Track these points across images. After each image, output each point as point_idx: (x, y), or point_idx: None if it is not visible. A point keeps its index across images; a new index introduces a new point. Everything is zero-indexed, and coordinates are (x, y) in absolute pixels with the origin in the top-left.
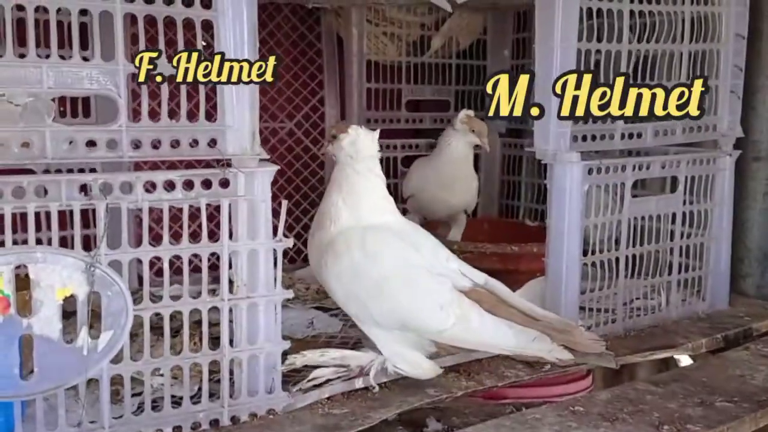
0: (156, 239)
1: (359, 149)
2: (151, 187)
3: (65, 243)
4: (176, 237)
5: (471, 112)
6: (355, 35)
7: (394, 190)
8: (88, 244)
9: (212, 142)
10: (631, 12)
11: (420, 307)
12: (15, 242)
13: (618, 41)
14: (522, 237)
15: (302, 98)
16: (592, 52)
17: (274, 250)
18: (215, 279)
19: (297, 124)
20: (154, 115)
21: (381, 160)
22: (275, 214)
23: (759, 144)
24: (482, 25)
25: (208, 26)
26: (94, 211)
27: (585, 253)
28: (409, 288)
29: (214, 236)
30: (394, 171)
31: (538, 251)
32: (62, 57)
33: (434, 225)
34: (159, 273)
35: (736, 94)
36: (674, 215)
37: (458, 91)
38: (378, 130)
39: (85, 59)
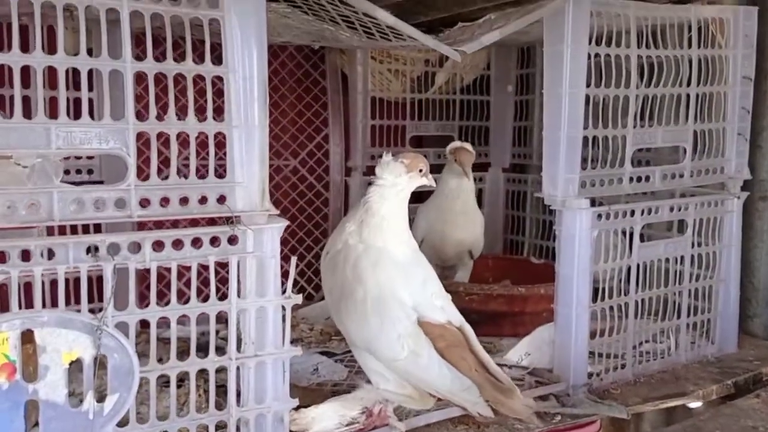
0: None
1: (385, 175)
2: (158, 245)
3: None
4: (179, 276)
5: (459, 143)
6: (359, 72)
7: None
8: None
9: (221, 199)
10: (639, 56)
11: (381, 334)
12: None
13: (626, 86)
14: (527, 275)
15: (307, 136)
16: (601, 96)
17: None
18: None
19: (301, 162)
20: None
21: None
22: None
23: (765, 183)
24: (486, 61)
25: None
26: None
27: (595, 292)
28: (378, 313)
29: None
30: None
31: (545, 293)
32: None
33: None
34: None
35: (743, 137)
36: (682, 257)
37: (462, 127)
38: (411, 162)
39: (92, 116)
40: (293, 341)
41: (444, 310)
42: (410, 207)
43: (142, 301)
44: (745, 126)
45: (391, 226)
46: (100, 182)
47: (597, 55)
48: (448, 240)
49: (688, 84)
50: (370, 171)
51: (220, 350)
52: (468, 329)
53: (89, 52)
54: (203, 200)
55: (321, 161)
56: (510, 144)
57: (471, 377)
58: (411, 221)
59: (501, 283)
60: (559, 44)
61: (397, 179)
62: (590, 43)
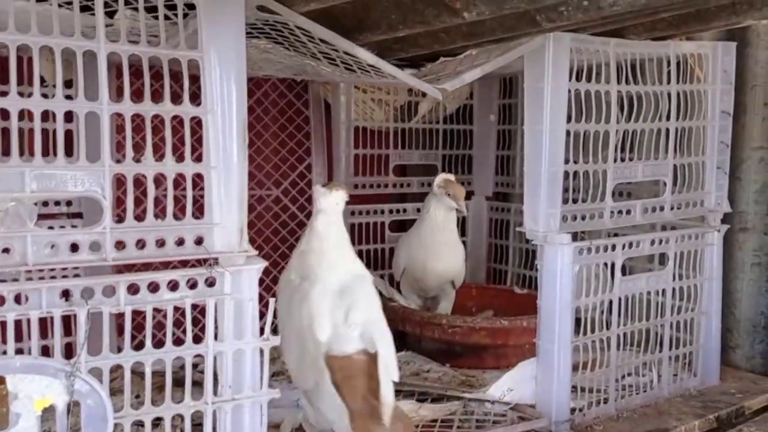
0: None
1: (319, 204)
2: (133, 288)
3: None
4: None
5: (447, 176)
6: (342, 102)
7: (380, 255)
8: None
9: (199, 240)
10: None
11: (299, 365)
12: None
13: (606, 121)
14: (511, 305)
15: (290, 165)
16: (581, 130)
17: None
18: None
19: (284, 192)
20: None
21: (369, 225)
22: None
23: (745, 215)
24: (469, 91)
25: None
26: None
27: (577, 322)
28: (299, 346)
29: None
30: (381, 236)
31: (527, 325)
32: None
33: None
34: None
35: (722, 170)
36: (664, 290)
37: (445, 156)
38: (339, 190)
39: (69, 151)
40: (273, 375)
41: (361, 338)
42: (392, 236)
43: (120, 334)
44: (724, 159)
45: (336, 249)
46: (79, 214)
47: (577, 90)
48: (430, 271)
49: (668, 118)
50: (354, 200)
51: (198, 385)
52: (381, 357)
53: (68, 84)
54: (180, 242)
55: (304, 191)
56: (493, 172)
57: (349, 406)
58: (391, 251)
59: (484, 313)
60: (539, 81)
61: (337, 206)
62: (570, 79)
